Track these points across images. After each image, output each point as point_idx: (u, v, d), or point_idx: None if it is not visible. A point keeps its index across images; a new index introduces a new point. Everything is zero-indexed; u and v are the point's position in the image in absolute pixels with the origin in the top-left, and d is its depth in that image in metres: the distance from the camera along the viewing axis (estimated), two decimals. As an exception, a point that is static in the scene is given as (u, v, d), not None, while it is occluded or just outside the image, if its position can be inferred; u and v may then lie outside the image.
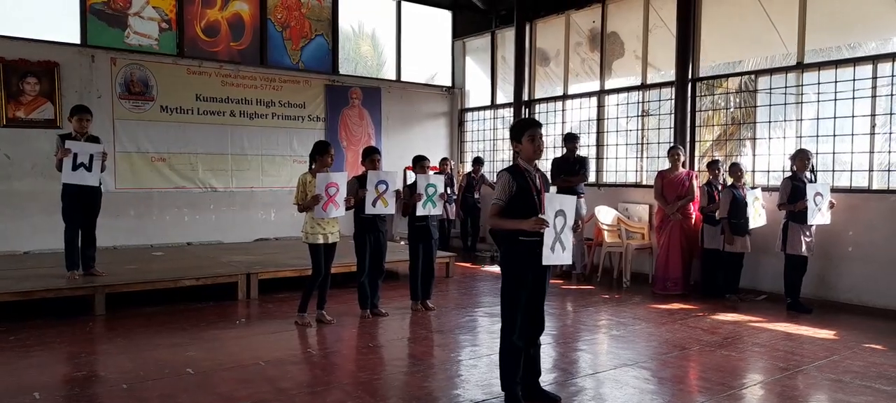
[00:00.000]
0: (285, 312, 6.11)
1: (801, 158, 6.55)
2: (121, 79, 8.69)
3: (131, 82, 8.77)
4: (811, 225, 6.42)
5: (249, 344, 5.17)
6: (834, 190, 6.88)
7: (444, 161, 9.92)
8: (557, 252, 3.69)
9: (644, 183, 8.86)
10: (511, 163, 3.93)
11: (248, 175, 9.72)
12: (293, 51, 10.16)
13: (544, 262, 3.66)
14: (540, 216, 3.58)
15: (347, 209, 5.61)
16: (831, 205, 6.44)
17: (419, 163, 6.25)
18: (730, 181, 7.11)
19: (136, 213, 8.82)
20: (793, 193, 6.47)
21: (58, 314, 5.84)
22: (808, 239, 6.49)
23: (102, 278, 6.25)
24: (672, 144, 7.89)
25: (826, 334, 5.67)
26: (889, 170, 6.69)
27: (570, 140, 8.40)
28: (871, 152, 6.71)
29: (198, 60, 9.28)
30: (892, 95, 6.55)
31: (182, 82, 9.12)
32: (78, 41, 8.49)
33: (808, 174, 6.58)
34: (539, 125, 3.82)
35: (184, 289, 6.52)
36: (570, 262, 3.99)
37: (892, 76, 6.54)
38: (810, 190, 6.29)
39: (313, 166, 5.57)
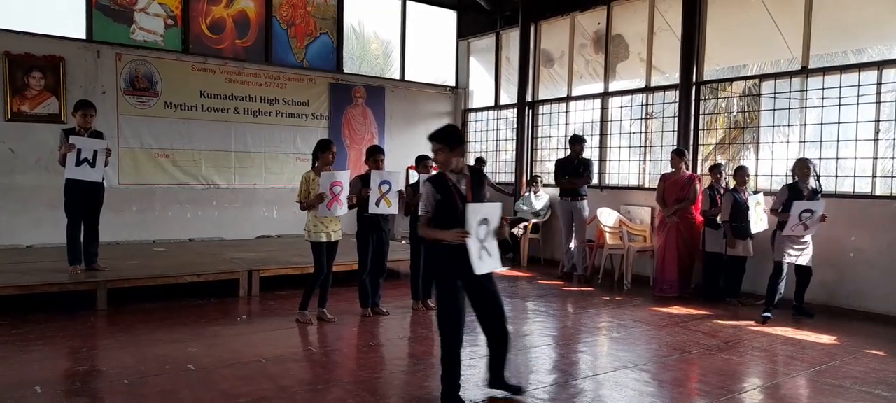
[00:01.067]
0: (287, 310, 6.12)
1: (800, 167, 6.39)
2: (126, 75, 8.71)
3: (136, 78, 8.79)
4: (801, 238, 6.34)
5: (250, 341, 5.18)
6: (837, 195, 6.87)
7: (446, 161, 9.90)
8: (485, 259, 3.72)
9: (646, 185, 8.85)
10: (436, 173, 3.97)
11: (251, 172, 9.74)
12: (298, 49, 10.17)
13: (476, 272, 3.68)
14: (460, 229, 3.63)
15: (350, 207, 5.62)
16: (822, 219, 6.19)
17: (423, 163, 6.26)
18: (733, 184, 7.10)
19: (138, 209, 8.85)
20: (788, 202, 6.30)
21: (59, 308, 5.86)
22: (795, 250, 6.33)
23: (104, 273, 6.27)
24: (675, 147, 7.88)
25: (827, 339, 5.67)
26: (893, 177, 6.69)
27: (577, 142, 8.40)
28: (875, 158, 6.70)
29: (203, 57, 9.30)
30: (896, 101, 6.54)
31: (187, 79, 9.14)
32: (83, 36, 8.51)
33: (811, 182, 6.42)
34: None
35: (185, 285, 6.54)
36: (500, 268, 4.00)
37: (897, 82, 6.54)
38: (797, 207, 6.11)
39: (316, 164, 5.59)
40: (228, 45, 9.58)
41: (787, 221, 6.13)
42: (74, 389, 3.97)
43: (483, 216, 3.72)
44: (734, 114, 8.15)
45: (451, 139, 3.83)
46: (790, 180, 6.58)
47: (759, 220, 6.90)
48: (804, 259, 6.36)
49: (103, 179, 6.33)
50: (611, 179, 9.39)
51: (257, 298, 6.69)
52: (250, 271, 6.80)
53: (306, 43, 10.24)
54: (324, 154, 5.54)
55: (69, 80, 8.29)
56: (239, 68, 9.57)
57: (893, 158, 6.66)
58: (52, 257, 6.97)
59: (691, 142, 8.16)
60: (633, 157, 9.21)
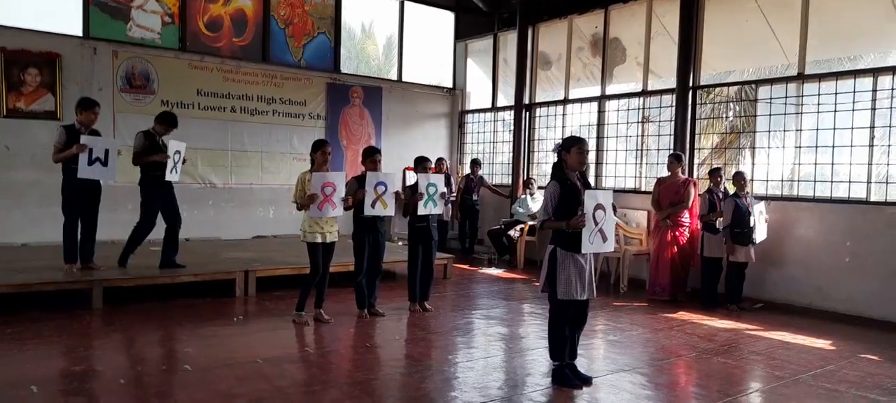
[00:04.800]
0: (283, 310, 6.11)
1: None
2: (122, 72, 8.68)
3: (133, 75, 8.76)
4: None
5: (247, 342, 5.17)
6: (832, 201, 6.93)
7: (439, 161, 9.92)
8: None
9: (643, 189, 8.88)
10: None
11: (248, 171, 9.71)
12: (295, 48, 10.16)
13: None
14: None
15: (346, 209, 5.61)
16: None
17: (421, 165, 6.25)
18: (733, 189, 7.12)
19: (133, 208, 8.70)
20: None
21: (55, 307, 5.83)
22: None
23: (100, 272, 6.25)
24: (672, 151, 7.90)
25: (823, 344, 5.70)
26: (887, 182, 6.73)
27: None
28: (870, 164, 6.74)
29: (200, 55, 9.28)
30: (891, 108, 6.58)
31: (183, 77, 9.11)
32: (80, 33, 8.48)
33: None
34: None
35: (181, 285, 6.52)
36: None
37: (892, 89, 6.57)
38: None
39: (313, 165, 5.58)
40: (226, 44, 9.56)
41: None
42: (71, 389, 3.95)
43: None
44: (730, 118, 8.18)
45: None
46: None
47: (762, 228, 6.93)
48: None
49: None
50: (607, 182, 9.41)
51: (254, 298, 6.67)
52: (247, 271, 6.78)
53: (304, 42, 10.23)
54: (316, 154, 5.54)
55: (65, 77, 8.25)
56: (236, 67, 9.55)
57: (888, 164, 6.69)
58: (47, 255, 6.93)
59: (687, 146, 8.19)
60: (629, 161, 9.24)
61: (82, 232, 6.28)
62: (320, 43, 10.39)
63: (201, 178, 9.31)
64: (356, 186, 5.73)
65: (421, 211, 6.02)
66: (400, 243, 9.27)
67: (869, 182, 6.76)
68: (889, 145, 6.67)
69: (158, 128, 6.52)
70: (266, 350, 4.87)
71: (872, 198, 6.73)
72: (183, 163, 6.64)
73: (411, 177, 6.28)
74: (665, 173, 7.69)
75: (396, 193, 5.91)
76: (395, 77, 11.35)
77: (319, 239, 5.56)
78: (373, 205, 5.70)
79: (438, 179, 6.16)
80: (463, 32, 11.96)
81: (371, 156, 5.85)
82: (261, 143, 9.78)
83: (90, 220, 6.31)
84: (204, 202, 9.35)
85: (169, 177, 6.41)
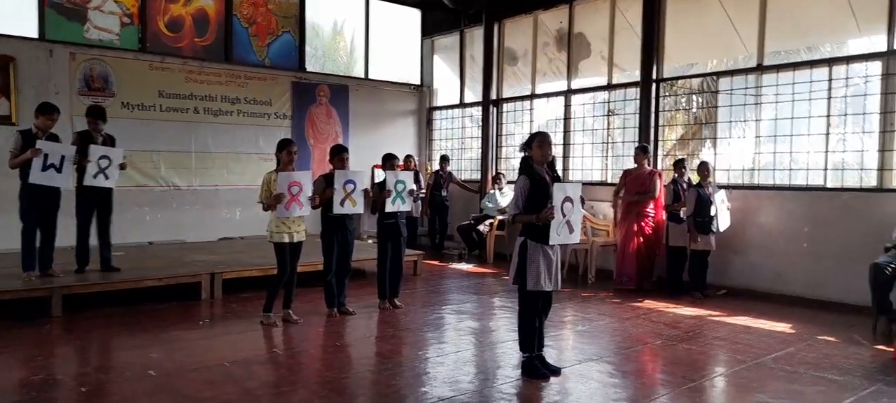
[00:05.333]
0: (250, 312, 6.03)
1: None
2: (80, 75, 8.47)
3: (91, 78, 8.55)
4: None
5: (214, 345, 5.10)
6: (791, 188, 7.11)
7: (407, 158, 9.91)
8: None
9: (609, 181, 8.99)
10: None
11: (213, 173, 9.56)
12: (259, 47, 10.03)
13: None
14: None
15: (314, 208, 5.57)
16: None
17: (389, 162, 6.24)
18: (696, 179, 7.26)
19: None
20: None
21: (13, 316, 5.66)
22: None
23: (59, 279, 6.09)
24: (638, 143, 8.02)
25: (782, 327, 5.85)
26: (843, 169, 6.92)
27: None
28: (826, 152, 6.93)
29: (160, 56, 9.10)
30: (845, 97, 6.78)
31: (144, 78, 8.92)
32: (35, 35, 8.24)
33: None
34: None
35: (145, 290, 6.39)
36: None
37: (847, 78, 6.77)
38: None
39: (279, 164, 5.53)
40: (187, 44, 9.39)
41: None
42: (29, 399, 3.84)
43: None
44: (693, 110, 8.33)
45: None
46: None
47: (724, 217, 7.07)
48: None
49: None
50: (574, 175, 9.51)
51: (220, 301, 6.58)
52: (213, 274, 6.68)
53: (268, 41, 10.10)
54: (281, 154, 5.49)
55: (21, 81, 8.01)
56: (198, 67, 9.39)
57: (844, 151, 6.89)
58: (5, 263, 6.71)
59: (652, 137, 8.32)
60: (596, 153, 9.35)
61: (41, 240, 6.12)
62: (285, 42, 10.28)
63: (164, 181, 9.14)
64: (324, 185, 5.69)
65: (389, 208, 6.01)
66: (369, 241, 9.23)
67: (826, 169, 6.95)
68: (844, 133, 6.87)
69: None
70: (234, 353, 4.81)
71: (829, 185, 6.93)
72: (120, 169, 6.34)
73: (380, 175, 6.26)
74: (632, 165, 7.80)
75: (365, 191, 5.88)
76: (361, 75, 11.28)
77: (287, 239, 5.51)
78: (342, 204, 5.66)
79: (407, 176, 6.16)
80: (429, 29, 11.95)
81: (339, 155, 5.81)
82: (226, 144, 9.63)
83: (49, 227, 6.15)
84: (167, 205, 9.18)
85: (92, 182, 6.16)
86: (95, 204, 6.39)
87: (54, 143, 5.97)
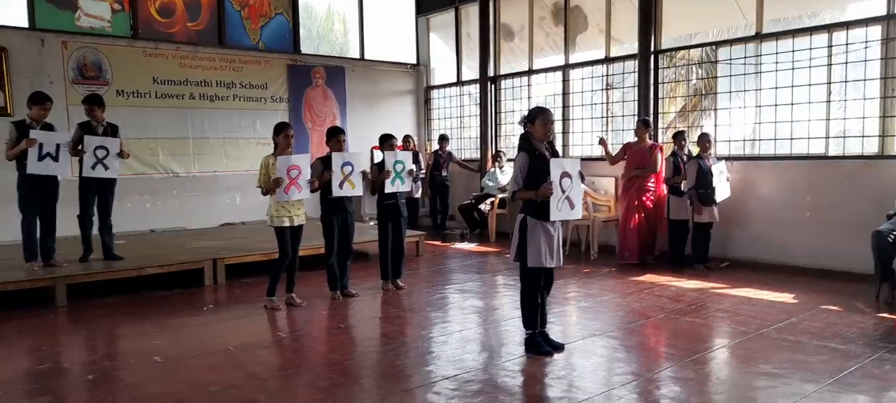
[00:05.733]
0: (253, 297, 6.04)
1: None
2: (73, 64, 8.39)
3: (84, 66, 8.48)
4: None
5: (218, 331, 5.11)
6: (793, 157, 7.07)
7: (406, 138, 9.86)
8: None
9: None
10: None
11: (211, 159, 9.52)
12: (253, 30, 9.93)
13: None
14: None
15: (313, 191, 5.55)
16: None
17: (387, 142, 6.20)
18: (696, 151, 7.22)
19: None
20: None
21: (17, 306, 5.67)
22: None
23: (62, 268, 6.09)
24: (640, 117, 7.96)
25: (785, 297, 5.85)
26: (844, 137, 6.88)
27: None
28: (827, 120, 6.89)
29: (153, 42, 9.01)
30: (846, 63, 6.71)
31: (138, 65, 8.84)
32: (26, 24, 8.15)
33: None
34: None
35: (148, 278, 6.40)
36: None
37: (847, 44, 6.70)
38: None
39: (276, 148, 5.50)
40: (180, 29, 9.30)
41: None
42: (36, 389, 3.85)
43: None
44: (693, 81, 8.27)
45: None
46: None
47: (723, 188, 7.05)
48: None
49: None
50: (574, 151, 9.46)
51: (223, 287, 6.59)
52: (215, 259, 6.68)
53: (261, 24, 10.00)
54: (278, 137, 5.45)
55: (14, 71, 7.94)
56: (192, 52, 9.31)
57: (845, 119, 6.84)
58: (6, 254, 6.72)
59: (652, 110, 8.26)
60: (595, 128, 9.29)
61: (41, 230, 6.11)
62: (278, 24, 10.17)
63: (163, 168, 9.11)
64: (322, 167, 5.66)
65: (389, 189, 5.99)
66: (370, 222, 9.22)
67: (827, 137, 6.91)
68: (845, 100, 6.82)
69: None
70: (238, 338, 4.82)
71: (831, 153, 6.89)
72: (119, 157, 6.28)
73: (379, 156, 6.23)
74: (632, 139, 7.76)
75: (364, 172, 5.86)
76: (357, 55, 11.19)
77: (287, 223, 5.50)
78: (341, 186, 5.64)
79: (406, 156, 6.13)
80: (424, 7, 11.82)
81: (335, 137, 5.77)
82: (223, 129, 9.58)
83: (48, 217, 6.13)
84: (167, 192, 9.16)
85: (91, 173, 6.13)
86: (96, 193, 6.36)
87: (49, 132, 5.94)
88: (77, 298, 5.92)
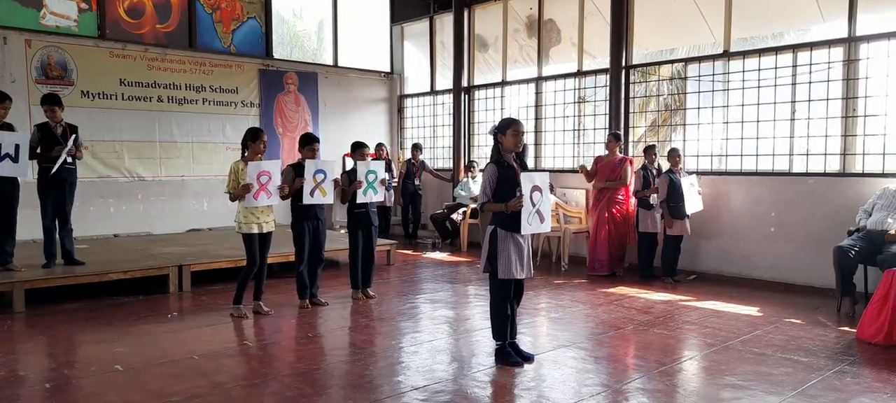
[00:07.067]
0: (220, 304, 5.92)
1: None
2: (37, 63, 8.17)
3: (49, 66, 8.26)
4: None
5: (182, 338, 4.98)
6: (758, 173, 7.23)
7: (379, 146, 9.82)
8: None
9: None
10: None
11: (179, 163, 9.35)
12: (224, 34, 9.80)
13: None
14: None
15: (283, 198, 5.49)
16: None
17: (358, 150, 6.15)
18: (667, 166, 7.33)
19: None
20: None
21: (-30, 313, 5.47)
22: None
23: (21, 273, 5.89)
24: (611, 131, 8.06)
25: (750, 311, 5.96)
26: (807, 154, 7.06)
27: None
28: (792, 137, 7.06)
29: (121, 43, 8.83)
30: (809, 83, 6.90)
31: (104, 66, 8.65)
32: (-13, 21, 7.93)
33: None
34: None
35: (110, 283, 6.24)
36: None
37: (810, 64, 6.89)
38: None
39: (246, 154, 5.42)
40: (149, 31, 9.13)
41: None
42: (-12, 398, 3.71)
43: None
44: (664, 96, 8.41)
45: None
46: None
47: (694, 201, 7.16)
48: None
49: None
50: (546, 163, 9.54)
51: (189, 294, 6.45)
52: (180, 266, 6.54)
53: (233, 27, 9.89)
54: (254, 143, 5.38)
55: (-27, 69, 7.71)
56: (161, 54, 9.14)
57: (808, 137, 7.02)
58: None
59: (622, 124, 8.37)
60: (567, 140, 9.38)
61: (0, 233, 5.91)
62: (250, 28, 10.07)
63: (129, 171, 8.91)
64: (293, 174, 5.60)
65: (361, 199, 5.95)
66: (341, 230, 9.14)
67: (791, 155, 7.08)
68: (809, 119, 7.00)
69: None
70: (203, 346, 4.71)
71: (795, 170, 7.06)
72: (73, 157, 6.12)
73: (350, 163, 6.18)
74: (603, 152, 7.85)
75: (335, 180, 5.80)
76: (330, 62, 11.13)
77: (256, 230, 5.41)
78: (312, 194, 5.58)
79: (378, 166, 6.10)
80: (398, 15, 11.83)
81: (309, 145, 5.72)
82: (191, 133, 9.42)
83: (8, 220, 5.94)
84: (133, 196, 8.96)
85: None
86: (53, 192, 6.15)
87: (8, 132, 5.76)
88: (36, 304, 5.74)
